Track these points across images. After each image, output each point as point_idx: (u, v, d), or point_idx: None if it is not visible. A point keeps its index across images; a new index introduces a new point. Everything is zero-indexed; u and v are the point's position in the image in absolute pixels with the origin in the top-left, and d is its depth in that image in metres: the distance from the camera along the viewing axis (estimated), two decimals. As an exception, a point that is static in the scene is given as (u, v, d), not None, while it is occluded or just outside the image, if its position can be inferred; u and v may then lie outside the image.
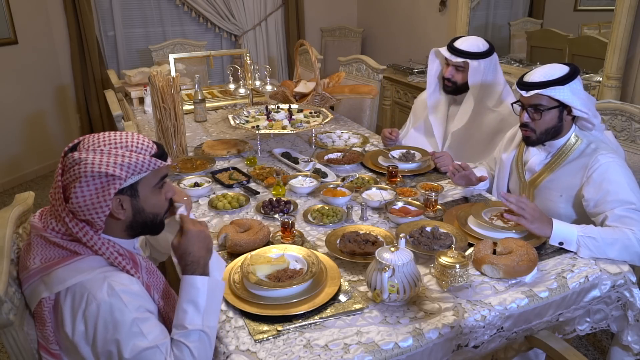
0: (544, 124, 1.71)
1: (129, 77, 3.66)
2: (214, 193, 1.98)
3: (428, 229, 1.61)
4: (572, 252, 1.54)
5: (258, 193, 1.99)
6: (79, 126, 4.89)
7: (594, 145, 1.71)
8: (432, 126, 2.50)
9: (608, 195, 1.60)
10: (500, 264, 1.40)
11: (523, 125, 1.76)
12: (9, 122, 4.20)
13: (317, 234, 1.70)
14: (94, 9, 4.64)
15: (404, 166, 2.19)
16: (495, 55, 2.27)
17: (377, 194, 1.90)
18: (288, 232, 1.63)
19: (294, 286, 1.34)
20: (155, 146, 1.17)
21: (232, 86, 3.00)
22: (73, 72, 4.71)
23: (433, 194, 1.80)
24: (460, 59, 2.23)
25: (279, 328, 1.24)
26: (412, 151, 2.30)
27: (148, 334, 1.07)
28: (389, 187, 1.98)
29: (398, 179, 2.05)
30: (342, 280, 1.42)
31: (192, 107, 3.06)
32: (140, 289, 1.14)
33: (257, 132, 2.37)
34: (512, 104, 1.83)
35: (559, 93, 1.65)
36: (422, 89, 3.40)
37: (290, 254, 1.49)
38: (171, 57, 3.25)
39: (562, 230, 1.54)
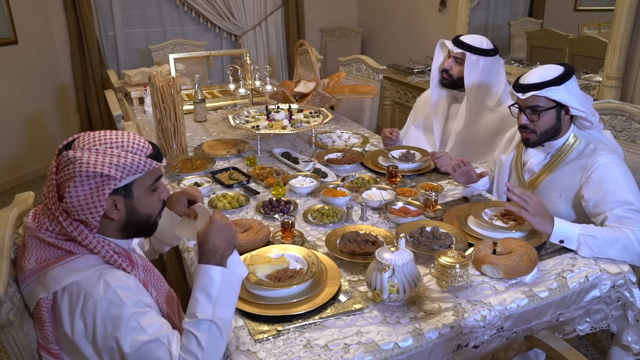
0: (543, 124, 1.71)
1: (129, 77, 3.66)
2: (214, 193, 1.98)
3: (428, 229, 1.61)
4: (572, 252, 1.54)
5: (258, 193, 1.99)
6: (79, 126, 4.89)
7: (593, 145, 1.71)
8: (432, 123, 2.50)
9: (607, 195, 1.60)
10: (500, 264, 1.40)
11: (522, 127, 1.76)
12: (9, 122, 4.20)
13: (317, 234, 1.70)
14: (94, 9, 4.65)
15: (404, 166, 2.19)
16: (499, 58, 2.28)
17: (377, 194, 1.90)
18: (288, 232, 1.63)
19: (294, 286, 1.34)
20: (150, 147, 1.17)
21: (232, 86, 3.00)
22: (73, 72, 4.71)
23: (433, 194, 1.80)
24: (459, 50, 2.26)
25: (279, 328, 1.24)
26: (412, 151, 2.30)
27: (148, 328, 1.07)
28: (389, 187, 1.98)
29: (398, 179, 2.05)
30: (342, 280, 1.42)
31: (192, 107, 3.06)
32: (136, 285, 1.13)
33: (257, 132, 2.37)
34: (509, 107, 1.83)
35: (556, 93, 1.65)
36: (422, 89, 3.41)
37: (290, 254, 1.49)
38: (171, 57, 3.25)
39: (563, 228, 1.54)
